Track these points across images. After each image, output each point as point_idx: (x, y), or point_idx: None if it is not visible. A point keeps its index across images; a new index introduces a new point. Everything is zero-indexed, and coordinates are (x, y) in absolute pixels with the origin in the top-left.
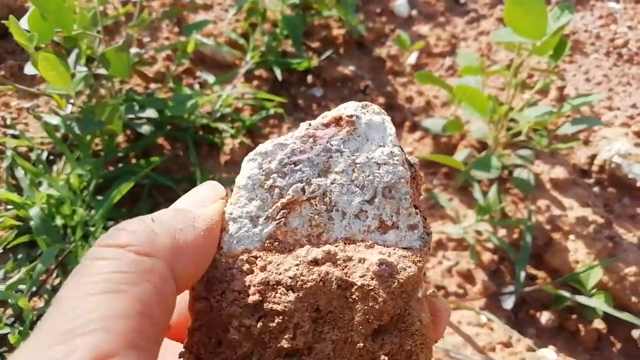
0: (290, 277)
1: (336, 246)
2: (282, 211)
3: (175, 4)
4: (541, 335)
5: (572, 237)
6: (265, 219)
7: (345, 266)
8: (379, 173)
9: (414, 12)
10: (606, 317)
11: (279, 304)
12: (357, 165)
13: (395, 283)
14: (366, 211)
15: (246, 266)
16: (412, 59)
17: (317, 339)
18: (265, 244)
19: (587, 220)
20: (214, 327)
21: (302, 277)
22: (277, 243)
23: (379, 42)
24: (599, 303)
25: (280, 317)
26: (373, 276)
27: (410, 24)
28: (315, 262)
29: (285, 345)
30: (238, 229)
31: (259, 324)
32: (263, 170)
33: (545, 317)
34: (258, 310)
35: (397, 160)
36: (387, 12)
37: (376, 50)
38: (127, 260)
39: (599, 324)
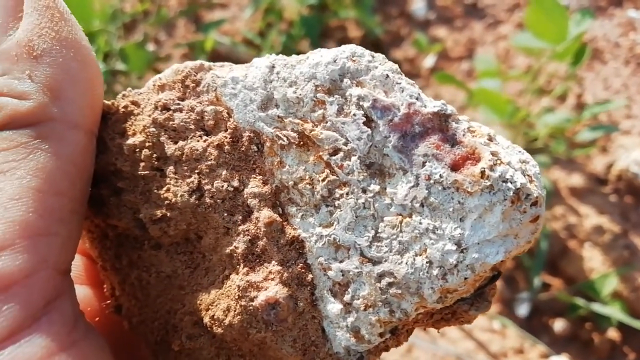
0: (215, 188)
1: (282, 231)
2: (295, 134)
3: (192, 2)
4: (554, 344)
5: (587, 245)
6: (277, 118)
7: (259, 257)
8: (410, 258)
9: (432, 16)
10: (620, 327)
11: (177, 188)
12: (408, 219)
13: (257, 334)
14: (349, 255)
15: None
16: (429, 62)
17: (169, 252)
18: (246, 134)
19: (603, 229)
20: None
21: (220, 200)
22: (256, 149)
23: (395, 45)
24: (613, 311)
25: (168, 197)
26: (255, 303)
27: (428, 27)
28: (248, 211)
29: (149, 210)
30: (250, 89)
31: (154, 181)
32: (339, 77)
33: (558, 325)
34: (162, 168)
35: (448, 280)
36: (405, 15)
37: (392, 52)
38: (5, 136)
39: (613, 333)
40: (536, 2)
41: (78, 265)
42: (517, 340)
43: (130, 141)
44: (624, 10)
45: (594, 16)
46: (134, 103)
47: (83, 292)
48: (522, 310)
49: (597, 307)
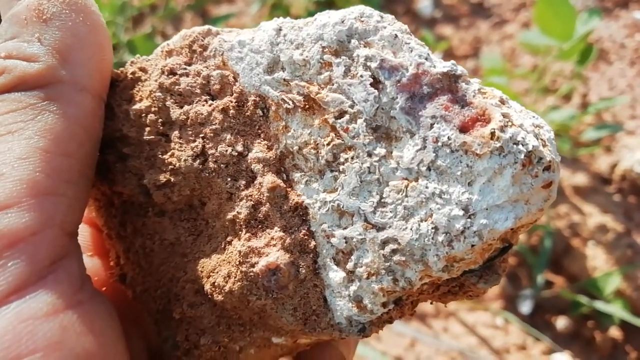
0: (219, 152)
1: (285, 197)
2: (300, 98)
3: None
4: (556, 341)
5: (591, 243)
6: (282, 81)
7: (262, 223)
8: (415, 223)
9: (438, 14)
10: (623, 325)
11: (181, 152)
12: (414, 184)
13: (257, 301)
14: (353, 221)
15: (201, 93)
16: None
17: (172, 219)
18: (251, 98)
19: (606, 228)
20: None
21: (223, 165)
22: (261, 113)
23: None
24: (616, 309)
25: (172, 162)
26: (256, 269)
27: (434, 25)
28: (252, 176)
29: (153, 176)
30: (257, 52)
31: (159, 145)
32: (347, 37)
33: (561, 322)
34: (166, 135)
35: (454, 247)
36: (411, 13)
37: None
38: (14, 97)
39: (615, 331)
40: None
41: (85, 235)
42: (520, 337)
43: (136, 106)
44: (629, 11)
45: (601, 16)
46: (142, 69)
47: (90, 263)
48: (525, 307)
49: (599, 305)
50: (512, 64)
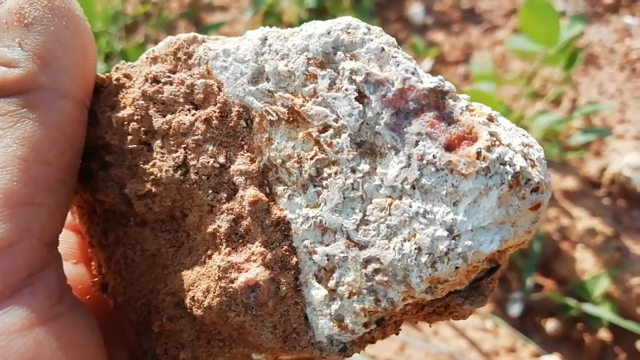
0: (201, 163)
1: (267, 211)
2: (284, 110)
3: (193, 4)
4: (546, 344)
5: (580, 247)
6: (267, 92)
7: (243, 237)
8: (397, 243)
9: (429, 20)
10: (611, 328)
11: (163, 163)
12: (398, 202)
13: (235, 318)
14: (335, 239)
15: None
16: (426, 66)
17: (153, 230)
18: (235, 109)
19: (595, 231)
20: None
21: (205, 177)
22: (245, 124)
23: None
24: (604, 312)
25: (153, 172)
26: (235, 285)
27: (425, 31)
28: (234, 189)
29: (134, 186)
30: (241, 62)
31: (141, 154)
32: (333, 49)
33: (550, 325)
34: (149, 144)
35: (438, 268)
36: (402, 19)
37: None
38: None
39: (604, 333)
40: (528, 4)
41: (71, 242)
42: (509, 340)
43: (119, 114)
44: (620, 16)
45: (587, 21)
46: (126, 76)
47: (75, 270)
48: (515, 310)
49: (588, 308)
50: (503, 69)
